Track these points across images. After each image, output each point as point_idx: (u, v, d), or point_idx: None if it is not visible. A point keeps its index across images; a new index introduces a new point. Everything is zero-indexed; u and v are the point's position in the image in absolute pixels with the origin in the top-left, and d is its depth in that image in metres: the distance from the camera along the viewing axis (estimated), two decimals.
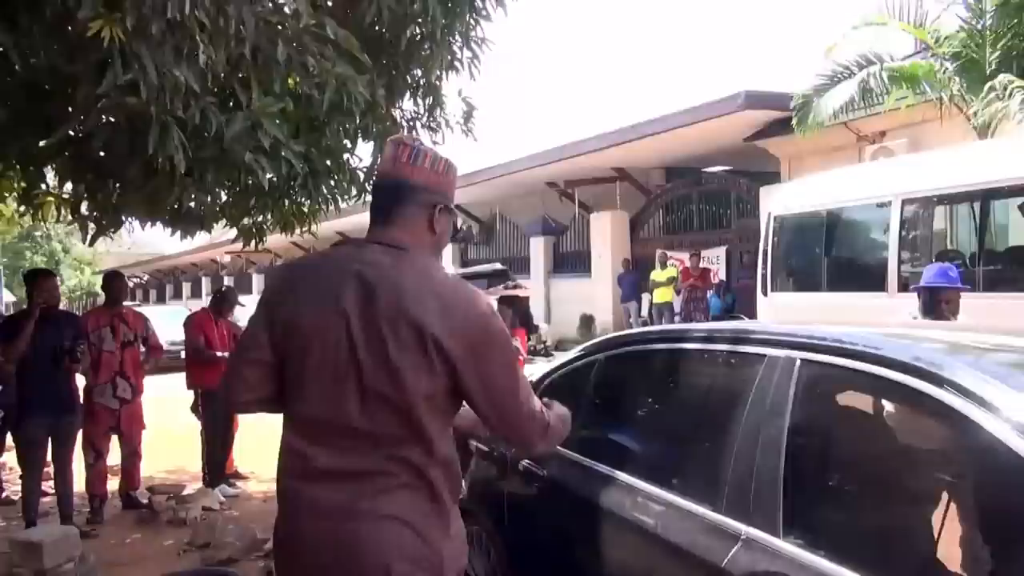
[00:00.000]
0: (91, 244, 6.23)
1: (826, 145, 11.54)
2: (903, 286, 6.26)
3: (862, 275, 6.74)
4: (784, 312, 7.50)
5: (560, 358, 3.08)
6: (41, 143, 3.44)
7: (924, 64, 8.59)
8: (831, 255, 7.19)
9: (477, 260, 20.84)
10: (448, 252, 21.90)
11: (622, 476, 2.22)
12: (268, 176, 3.85)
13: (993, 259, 6.41)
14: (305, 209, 5.41)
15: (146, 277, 46.73)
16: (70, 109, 2.97)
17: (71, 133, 3.09)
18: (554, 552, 2.47)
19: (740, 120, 12.49)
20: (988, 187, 5.84)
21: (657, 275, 13.69)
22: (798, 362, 1.88)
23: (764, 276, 7.84)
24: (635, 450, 2.39)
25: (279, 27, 2.29)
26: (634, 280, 14.95)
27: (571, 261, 18.40)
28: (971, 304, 4.07)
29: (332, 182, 4.75)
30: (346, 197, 5.50)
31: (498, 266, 16.72)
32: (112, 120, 2.86)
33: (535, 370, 3.15)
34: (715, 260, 14.37)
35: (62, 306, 5.97)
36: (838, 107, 8.52)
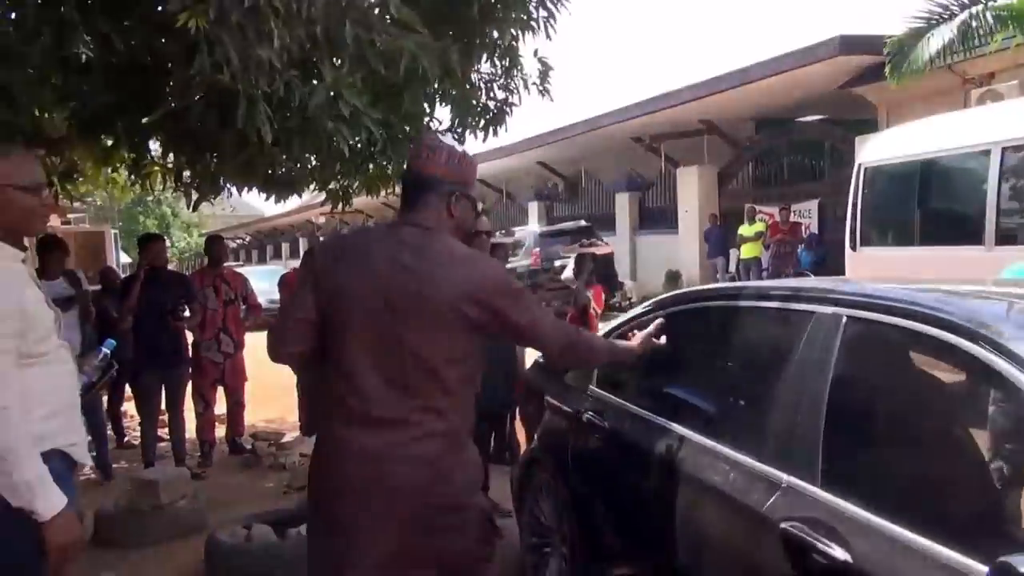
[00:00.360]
0: (194, 209, 6.68)
1: (928, 90, 10.92)
2: (1002, 239, 5.98)
3: (957, 228, 6.43)
4: (874, 267, 7.27)
5: (626, 315, 3.17)
6: (144, 119, 3.74)
7: None
8: (924, 207, 6.88)
9: (563, 217, 20.86)
10: (534, 209, 22.05)
11: (675, 427, 2.33)
12: (349, 143, 4.05)
13: None
14: (389, 172, 5.63)
15: (248, 238, 48.94)
16: (168, 88, 3.22)
17: (171, 108, 3.35)
18: (610, 497, 2.61)
19: (835, 66, 11.95)
20: None
21: (745, 230, 13.42)
22: (844, 319, 1.92)
23: (853, 230, 7.60)
24: (688, 403, 2.49)
25: (346, 8, 2.43)
26: (721, 235, 14.69)
27: (657, 217, 18.17)
28: None
29: (410, 146, 4.91)
30: None
31: (582, 223, 16.82)
32: (204, 97, 3.09)
33: (609, 327, 3.25)
34: (807, 214, 13.93)
35: (174, 267, 6.45)
36: (935, 52, 8.02)
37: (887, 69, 8.63)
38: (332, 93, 3.66)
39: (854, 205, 7.57)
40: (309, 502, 2.07)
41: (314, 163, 5.15)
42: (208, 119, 3.30)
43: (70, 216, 11.65)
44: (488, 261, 2.13)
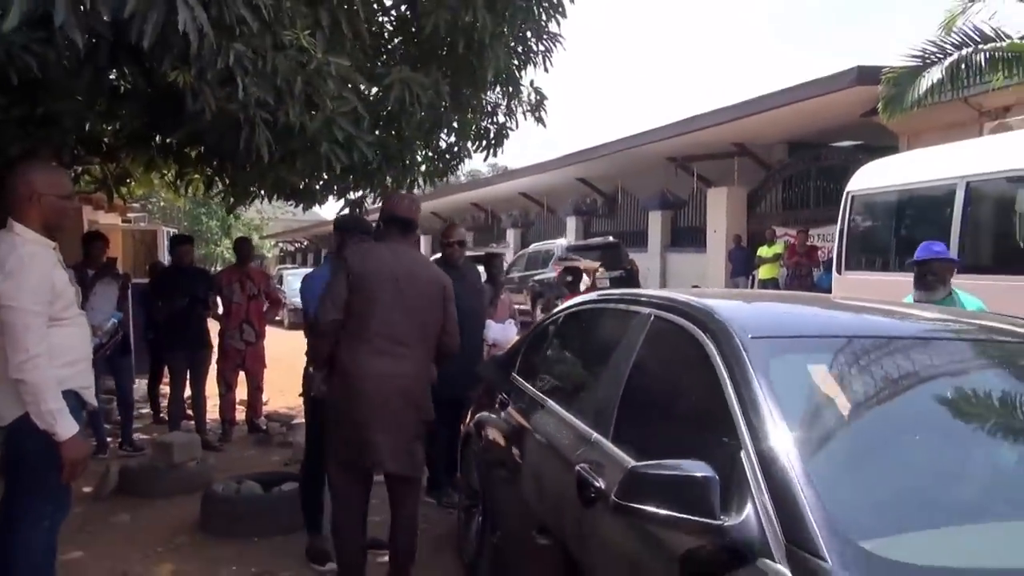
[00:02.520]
0: (229, 212, 7.52)
1: (945, 122, 11.20)
2: (968, 268, 6.36)
3: None
4: (856, 290, 7.66)
5: (546, 315, 3.79)
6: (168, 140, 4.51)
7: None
8: (899, 235, 7.28)
9: (599, 232, 21.41)
10: (572, 224, 22.64)
11: (547, 401, 2.94)
12: (344, 163, 4.74)
13: None
14: (403, 186, 6.34)
15: (306, 242, 50.65)
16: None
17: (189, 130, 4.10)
18: (503, 460, 3.23)
19: (857, 95, 12.27)
20: None
21: (764, 251, 13.76)
22: (652, 316, 2.51)
23: (839, 254, 8.01)
24: (557, 381, 3.10)
25: (301, 66, 3.10)
26: (744, 256, 15.04)
27: (688, 236, 18.56)
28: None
29: (403, 165, 5.60)
30: (426, 177, 6.46)
31: (610, 239, 17.33)
32: (214, 121, 3.81)
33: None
34: (829, 237, 14.18)
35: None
36: (923, 92, 8.35)
37: (879, 105, 8.98)
38: (327, 120, 4.39)
39: (841, 231, 7.99)
40: (336, 402, 3.21)
41: (325, 178, 5.89)
42: (222, 140, 4.04)
43: (130, 215, 12.74)
44: (442, 274, 3.48)
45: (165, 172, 7.04)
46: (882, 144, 13.89)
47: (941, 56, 8.77)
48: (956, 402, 1.99)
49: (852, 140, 15.52)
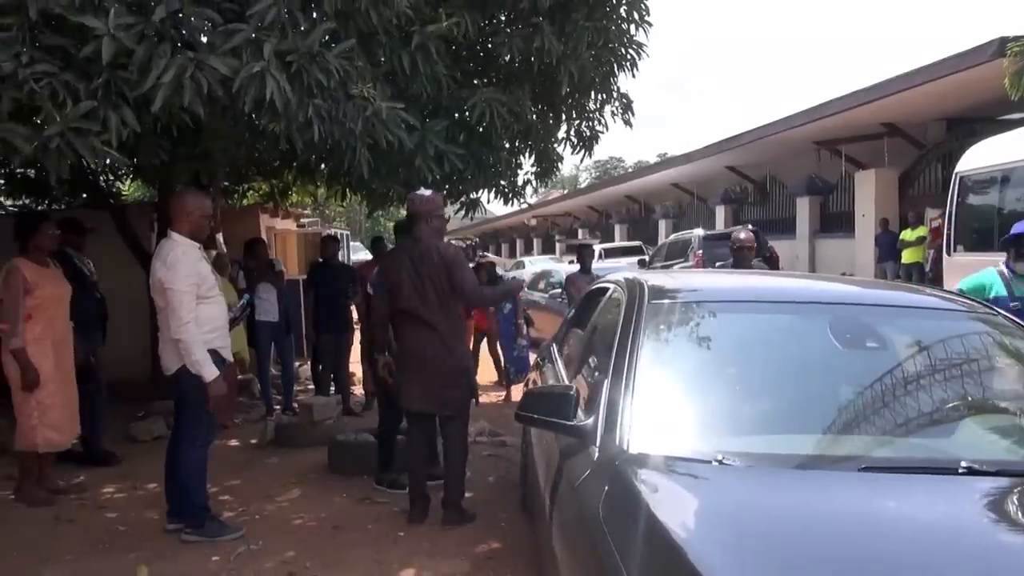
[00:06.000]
0: (369, 216, 8.82)
1: None
2: None
3: None
4: (963, 272, 7.62)
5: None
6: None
7: None
8: (1001, 215, 7.18)
9: (751, 220, 21.24)
10: (721, 212, 22.59)
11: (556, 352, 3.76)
12: (435, 174, 5.71)
13: None
14: (498, 190, 7.28)
15: (475, 239, 53.40)
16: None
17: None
18: None
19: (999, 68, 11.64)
20: None
21: (907, 235, 13.34)
22: (613, 288, 3.25)
23: (948, 236, 7.97)
24: (567, 341, 3.88)
25: (363, 111, 4.06)
26: (891, 240, 14.57)
27: (837, 221, 18.07)
28: None
29: (495, 170, 6.51)
30: (528, 180, 7.37)
31: (749, 228, 17.27)
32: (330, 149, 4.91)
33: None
34: None
35: None
36: None
37: (1006, 81, 8.70)
38: (420, 139, 5.39)
39: (950, 213, 7.94)
40: (401, 361, 4.33)
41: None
42: (333, 161, 5.18)
43: (303, 221, 14.69)
44: (450, 248, 4.36)
45: (318, 185, 8.46)
46: None
47: None
48: (800, 354, 2.57)
49: (1020, 113, 14.53)
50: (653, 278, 3.08)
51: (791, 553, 1.56)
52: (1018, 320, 2.84)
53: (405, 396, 4.32)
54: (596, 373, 2.83)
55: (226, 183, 7.88)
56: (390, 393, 4.64)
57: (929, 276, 12.88)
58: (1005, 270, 4.51)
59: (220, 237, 7.95)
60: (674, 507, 1.80)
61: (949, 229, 7.94)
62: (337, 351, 7.61)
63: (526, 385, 4.82)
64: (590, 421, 2.32)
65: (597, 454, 2.19)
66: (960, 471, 1.91)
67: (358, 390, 8.30)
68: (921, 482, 1.90)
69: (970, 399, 2.41)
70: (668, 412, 2.28)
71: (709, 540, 1.61)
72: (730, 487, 1.89)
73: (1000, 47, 11.08)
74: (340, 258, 8.10)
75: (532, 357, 7.49)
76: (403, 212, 11.82)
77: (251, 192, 8.24)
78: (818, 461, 2.05)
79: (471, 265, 7.60)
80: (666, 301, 2.77)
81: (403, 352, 4.34)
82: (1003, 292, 4.27)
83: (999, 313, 2.86)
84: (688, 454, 2.04)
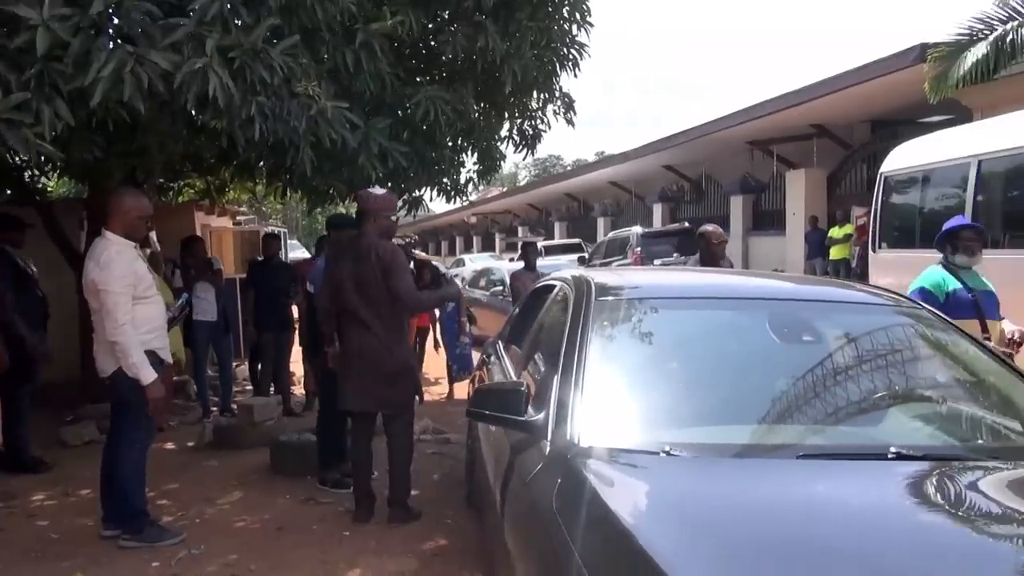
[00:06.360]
0: (309, 214, 8.69)
1: (1016, 95, 11.00)
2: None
3: None
4: (888, 268, 7.98)
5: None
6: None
7: None
8: (921, 214, 7.54)
9: (687, 218, 21.70)
10: (658, 210, 23.01)
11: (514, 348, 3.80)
12: (379, 171, 5.68)
13: None
14: (442, 187, 7.28)
15: (415, 237, 53.06)
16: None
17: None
18: None
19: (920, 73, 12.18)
20: None
21: (835, 232, 13.85)
22: (559, 285, 3.30)
23: (873, 234, 8.31)
24: (514, 338, 3.94)
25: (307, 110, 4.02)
26: (820, 237, 15.11)
27: (769, 219, 18.62)
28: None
29: (438, 168, 6.52)
30: (471, 178, 7.40)
31: (685, 225, 17.70)
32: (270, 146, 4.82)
33: None
34: None
35: None
36: (968, 69, 8.45)
37: (926, 84, 9.11)
38: (363, 136, 5.35)
39: (874, 212, 8.28)
40: (341, 361, 4.30)
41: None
42: (276, 158, 5.10)
43: (239, 218, 14.37)
44: (387, 247, 4.20)
45: (257, 182, 8.31)
46: (967, 119, 13.63)
47: (988, 31, 8.84)
48: (740, 348, 2.68)
49: (940, 116, 15.22)
50: (599, 275, 3.16)
51: (736, 537, 1.63)
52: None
53: (345, 396, 4.30)
54: (545, 369, 2.88)
55: (161, 180, 7.67)
56: (330, 391, 4.59)
57: (856, 272, 13.41)
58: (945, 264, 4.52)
59: (154, 235, 7.73)
60: (625, 497, 1.86)
61: (874, 227, 8.27)
62: (278, 350, 7.49)
63: (472, 383, 4.85)
64: (541, 416, 2.36)
65: (548, 448, 2.24)
66: (889, 456, 2.02)
67: (298, 390, 8.20)
68: (854, 468, 2.01)
69: (897, 388, 2.55)
70: (617, 406, 2.35)
71: (659, 527, 1.67)
72: (677, 476, 1.96)
73: (921, 53, 11.58)
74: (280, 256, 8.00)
75: (475, 355, 7.53)
76: (342, 209, 11.70)
77: (186, 189, 8.03)
78: (759, 450, 2.15)
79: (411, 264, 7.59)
80: (613, 298, 2.84)
81: (343, 352, 4.32)
82: (958, 285, 4.34)
83: (922, 307, 3.03)
84: (637, 446, 2.11)
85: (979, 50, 8.49)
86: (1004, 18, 8.57)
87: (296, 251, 22.37)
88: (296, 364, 8.05)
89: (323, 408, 5.12)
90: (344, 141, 4.99)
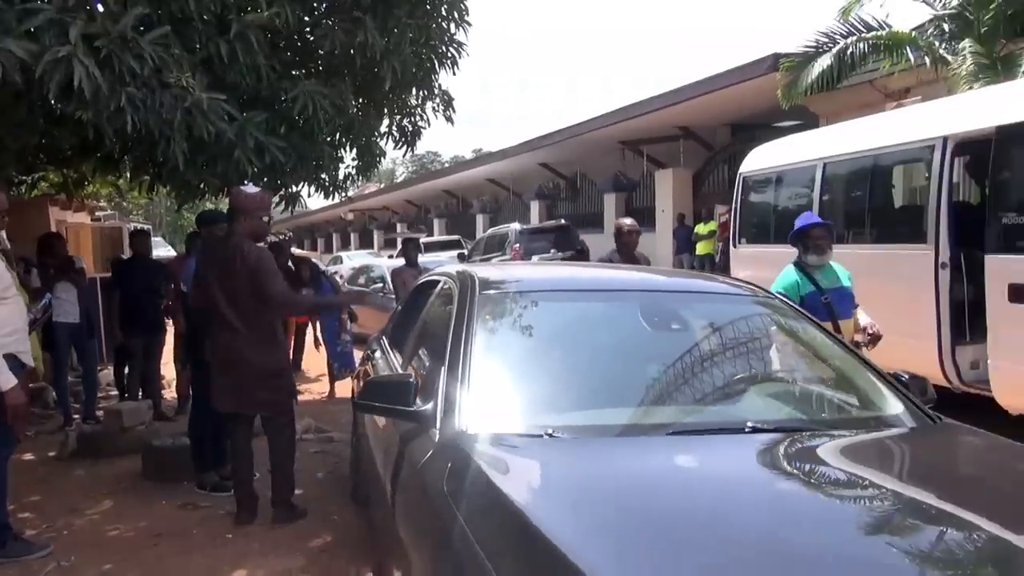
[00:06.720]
0: (178, 210, 8.33)
1: (856, 102, 12.03)
2: None
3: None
4: (747, 262, 8.55)
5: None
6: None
7: (904, 33, 9.12)
8: (775, 211, 8.17)
9: (563, 215, 22.27)
10: (535, 207, 23.48)
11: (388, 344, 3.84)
12: (256, 166, 5.55)
13: (878, 216, 7.06)
14: (320, 183, 7.18)
15: (290, 233, 51.48)
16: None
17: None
18: None
19: (774, 81, 13.10)
20: (879, 152, 6.69)
21: (700, 229, 14.66)
22: (444, 280, 3.38)
23: (734, 230, 8.90)
24: (400, 333, 3.99)
25: (182, 101, 3.90)
26: (687, 233, 15.94)
27: (640, 216, 19.40)
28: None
29: (316, 163, 6.44)
30: (350, 174, 7.34)
31: (562, 222, 18.19)
32: (136, 139, 4.62)
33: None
34: None
35: None
36: (814, 79, 9.21)
37: (779, 91, 9.83)
38: (239, 129, 5.21)
39: (734, 210, 8.86)
40: (213, 362, 4.18)
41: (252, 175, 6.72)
42: (145, 150, 4.88)
43: (99, 214, 13.55)
44: (255, 252, 4.08)
45: (120, 175, 7.88)
46: (815, 125, 14.78)
47: (832, 45, 9.64)
48: (615, 337, 2.87)
49: (792, 121, 16.40)
50: (483, 270, 3.27)
51: (615, 505, 1.78)
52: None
53: (217, 397, 4.22)
54: (432, 361, 2.96)
55: (13, 172, 7.14)
56: (204, 393, 4.49)
57: (719, 266, 14.25)
58: (796, 266, 4.55)
59: (3, 233, 7.19)
60: (512, 477, 1.98)
61: (734, 224, 8.86)
62: (148, 353, 7.16)
63: (355, 379, 4.85)
64: (429, 406, 2.45)
65: (438, 436, 2.32)
66: (747, 430, 2.25)
67: (169, 393, 7.86)
68: (717, 441, 2.22)
69: (754, 370, 2.80)
70: (502, 394, 2.47)
71: (545, 502, 1.80)
72: (560, 456, 2.10)
73: (774, 62, 12.47)
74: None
75: (357, 353, 7.48)
76: (211, 205, 11.23)
77: (40, 183, 7.50)
78: (633, 429, 2.32)
79: (289, 262, 7.47)
80: (496, 292, 2.96)
81: (215, 352, 4.24)
82: (810, 287, 4.36)
83: (776, 296, 3.33)
84: (521, 430, 2.23)
85: (824, 61, 9.26)
86: (845, 33, 9.38)
87: (160, 249, 21.26)
88: (167, 366, 7.71)
89: (197, 410, 4.98)
90: (219, 134, 4.87)
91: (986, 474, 2.33)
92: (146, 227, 15.54)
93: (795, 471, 2.14)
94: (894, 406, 2.57)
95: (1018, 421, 5.18)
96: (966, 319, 5.77)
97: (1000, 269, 5.23)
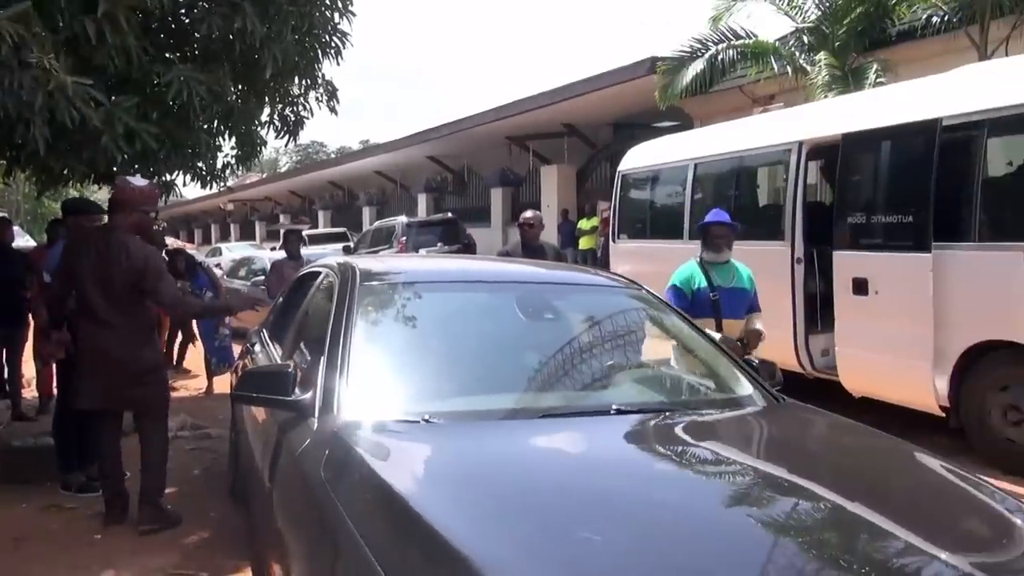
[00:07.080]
0: (38, 197, 7.83)
1: (728, 106, 12.72)
2: (694, 235, 7.65)
3: (669, 225, 8.10)
4: (626, 257, 8.92)
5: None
6: None
7: (769, 43, 9.76)
8: (652, 208, 8.58)
9: (450, 208, 22.32)
10: (423, 200, 23.42)
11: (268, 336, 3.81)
12: (126, 153, 5.32)
13: (743, 214, 7.56)
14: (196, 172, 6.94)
15: (164, 224, 48.99)
16: None
17: None
18: None
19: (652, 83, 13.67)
20: (745, 154, 7.18)
21: (583, 224, 15.10)
22: (325, 272, 3.39)
23: (614, 226, 9.25)
24: (280, 325, 3.97)
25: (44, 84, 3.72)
26: (571, 228, 16.37)
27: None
28: None
29: (192, 151, 6.24)
30: (229, 163, 7.14)
31: (448, 215, 18.29)
32: None
33: None
34: None
35: None
36: (689, 82, 9.71)
37: (656, 93, 10.29)
38: (107, 115, 4.98)
39: (614, 207, 9.22)
40: (78, 357, 3.99)
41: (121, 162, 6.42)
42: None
43: None
44: (143, 249, 3.99)
45: None
46: (690, 126, 15.51)
47: (704, 51, 10.16)
48: (492, 326, 2.99)
49: (670, 121, 17.14)
50: (364, 262, 3.31)
51: (489, 483, 1.89)
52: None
53: (83, 394, 4.03)
54: (312, 351, 2.98)
55: None
56: (68, 390, 4.30)
57: (600, 260, 14.72)
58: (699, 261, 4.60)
59: None
60: (390, 461, 2.05)
61: (614, 220, 9.22)
62: (9, 348, 6.72)
63: (234, 373, 4.76)
64: (308, 396, 2.47)
65: (316, 425, 2.36)
66: (612, 412, 2.42)
67: (29, 392, 7.39)
68: (584, 422, 2.38)
69: (621, 357, 2.99)
70: (380, 382, 2.53)
71: (422, 484, 1.89)
72: (435, 440, 2.19)
73: (652, 65, 13.01)
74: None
75: (236, 348, 7.29)
76: (75, 193, 10.60)
77: None
78: (506, 413, 2.44)
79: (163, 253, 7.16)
80: (377, 283, 3.02)
81: (82, 349, 4.04)
82: (703, 283, 4.43)
83: (643, 288, 3.54)
84: (399, 416, 2.31)
85: (698, 65, 9.77)
86: (717, 40, 9.92)
87: (19, 239, 19.78)
88: (27, 364, 7.24)
89: (61, 408, 4.74)
90: (84, 119, 4.65)
91: (821, 447, 2.61)
92: (2, 214, 14.44)
93: (655, 446, 2.33)
94: (745, 388, 2.81)
95: (860, 403, 5.71)
96: (818, 311, 6.29)
97: (846, 264, 5.73)
